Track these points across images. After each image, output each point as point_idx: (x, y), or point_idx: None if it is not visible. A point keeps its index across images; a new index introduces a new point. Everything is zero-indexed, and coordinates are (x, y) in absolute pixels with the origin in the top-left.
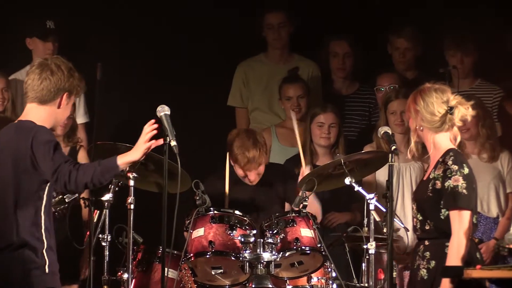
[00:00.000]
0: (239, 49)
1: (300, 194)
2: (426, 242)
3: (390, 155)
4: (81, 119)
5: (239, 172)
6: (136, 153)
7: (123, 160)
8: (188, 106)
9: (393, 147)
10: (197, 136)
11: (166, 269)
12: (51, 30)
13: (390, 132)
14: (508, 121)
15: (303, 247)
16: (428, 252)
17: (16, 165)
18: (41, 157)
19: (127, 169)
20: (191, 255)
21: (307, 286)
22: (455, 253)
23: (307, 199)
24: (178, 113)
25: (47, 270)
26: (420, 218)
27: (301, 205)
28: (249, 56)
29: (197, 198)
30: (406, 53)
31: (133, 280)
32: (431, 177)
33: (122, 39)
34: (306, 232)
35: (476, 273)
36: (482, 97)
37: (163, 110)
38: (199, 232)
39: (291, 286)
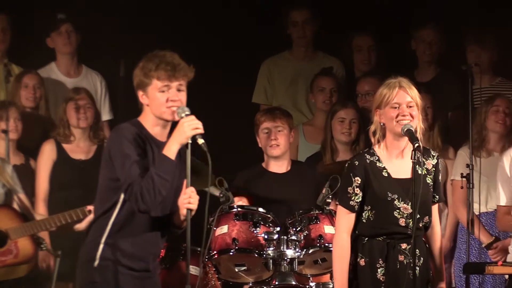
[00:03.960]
0: (264, 46)
1: (323, 191)
2: (412, 240)
3: (412, 152)
4: (106, 116)
5: (263, 141)
6: (179, 135)
7: (169, 150)
8: (212, 103)
9: (416, 144)
10: (221, 133)
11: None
12: (62, 20)
13: (412, 129)
14: None
15: (326, 244)
16: (417, 250)
17: (102, 156)
18: (118, 167)
19: None
20: (215, 252)
21: (331, 283)
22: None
23: (330, 196)
24: (202, 111)
25: (95, 264)
26: (418, 216)
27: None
28: (274, 53)
29: (221, 195)
30: (432, 45)
31: None
32: (420, 173)
33: (145, 35)
34: (329, 229)
35: (497, 269)
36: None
37: (183, 111)
38: (222, 229)
39: (314, 283)
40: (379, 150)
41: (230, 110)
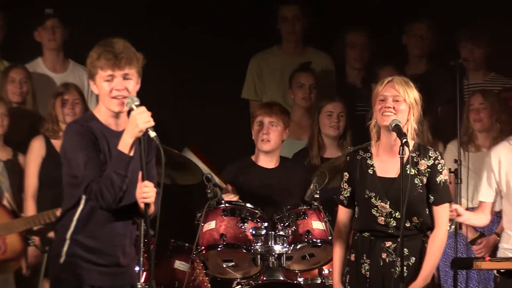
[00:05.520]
0: (253, 41)
1: (311, 187)
2: (399, 239)
3: (400, 147)
4: None
5: (255, 134)
6: (133, 128)
7: (124, 144)
8: (202, 99)
9: (404, 140)
10: (211, 129)
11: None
12: (49, 15)
13: (401, 124)
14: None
15: (314, 240)
16: (405, 249)
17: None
18: (74, 165)
19: None
20: (203, 248)
21: (318, 279)
22: (443, 244)
23: (318, 192)
24: (192, 107)
25: (61, 260)
26: (399, 216)
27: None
28: (263, 48)
29: (209, 191)
30: (424, 39)
31: (144, 273)
32: (410, 173)
33: (133, 30)
34: (317, 225)
35: (485, 264)
36: (495, 91)
37: (133, 102)
38: (210, 225)
39: (302, 279)
40: (374, 147)
41: (219, 106)
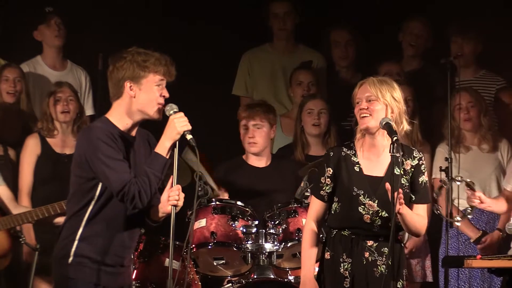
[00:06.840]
0: (245, 38)
1: (302, 185)
2: (381, 238)
3: (391, 145)
4: (89, 111)
5: (242, 137)
6: (171, 132)
7: (162, 147)
8: (193, 96)
9: (395, 138)
10: (201, 125)
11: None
12: (51, 12)
13: (391, 123)
14: (503, 111)
15: None
16: (386, 248)
17: (74, 157)
18: (100, 170)
19: None
20: (193, 246)
21: None
22: (424, 226)
23: (309, 190)
24: (183, 103)
25: (69, 261)
26: (386, 215)
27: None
28: (255, 45)
29: (199, 189)
30: (420, 38)
31: (135, 271)
32: (396, 172)
33: (125, 28)
34: None
35: (476, 263)
36: (485, 88)
37: (172, 109)
38: (201, 223)
39: (292, 277)
40: (359, 145)
41: (210, 102)
